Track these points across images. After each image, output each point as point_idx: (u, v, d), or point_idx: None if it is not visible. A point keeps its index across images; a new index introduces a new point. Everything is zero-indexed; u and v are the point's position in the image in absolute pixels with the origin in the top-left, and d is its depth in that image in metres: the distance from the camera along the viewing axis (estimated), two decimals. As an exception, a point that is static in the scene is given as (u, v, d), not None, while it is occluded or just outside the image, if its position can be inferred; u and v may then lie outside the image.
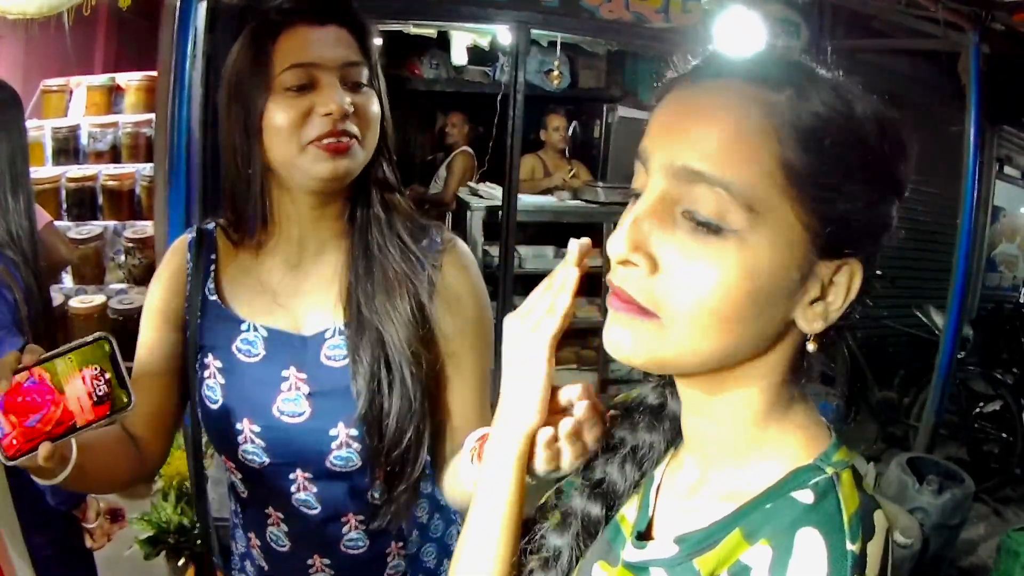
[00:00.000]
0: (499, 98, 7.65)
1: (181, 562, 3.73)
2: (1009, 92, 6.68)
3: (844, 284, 1.06)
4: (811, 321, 1.07)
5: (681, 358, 1.07)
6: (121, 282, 5.78)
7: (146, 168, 5.93)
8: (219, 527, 2.36)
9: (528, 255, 7.60)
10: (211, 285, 1.99)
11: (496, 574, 1.31)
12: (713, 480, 1.17)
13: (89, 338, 1.61)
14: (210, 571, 2.35)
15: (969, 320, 7.72)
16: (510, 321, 1.35)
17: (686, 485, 1.23)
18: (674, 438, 1.33)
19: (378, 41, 1.95)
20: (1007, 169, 10.03)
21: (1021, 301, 9.35)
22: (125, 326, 5.10)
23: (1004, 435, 7.17)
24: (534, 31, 7.07)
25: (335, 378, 1.89)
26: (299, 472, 1.94)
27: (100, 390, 1.61)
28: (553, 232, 7.88)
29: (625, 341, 1.08)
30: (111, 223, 5.96)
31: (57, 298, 5.22)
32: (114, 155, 6.18)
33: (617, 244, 1.05)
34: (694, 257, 1.01)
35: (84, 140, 6.21)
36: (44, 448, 1.56)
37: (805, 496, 1.04)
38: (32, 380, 1.56)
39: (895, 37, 7.08)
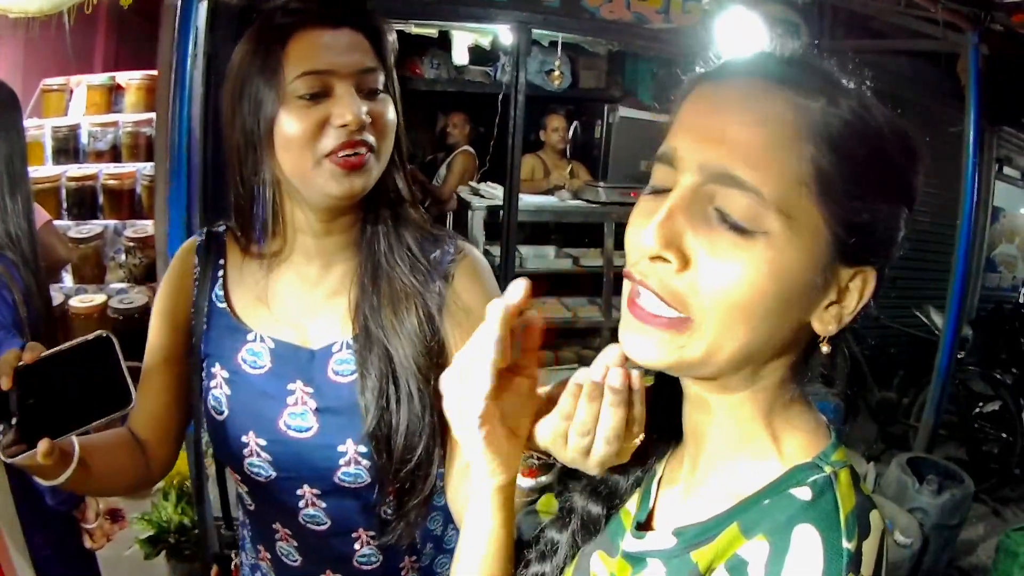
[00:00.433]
0: (500, 98, 7.64)
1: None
2: (1008, 93, 6.68)
3: (858, 290, 1.09)
4: (826, 324, 1.09)
5: (709, 358, 1.07)
6: (121, 281, 5.77)
7: (146, 167, 5.93)
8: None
9: (529, 255, 7.60)
10: (219, 292, 1.95)
11: None
12: (713, 476, 1.18)
13: (90, 336, 1.62)
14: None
15: (968, 320, 7.73)
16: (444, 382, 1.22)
17: (687, 480, 1.24)
18: (676, 434, 1.33)
19: (393, 40, 1.86)
20: (1006, 170, 10.03)
21: (1020, 301, 9.36)
22: (125, 326, 5.10)
23: (1003, 435, 7.18)
24: (535, 31, 7.06)
25: (343, 394, 1.84)
26: (307, 488, 1.89)
27: None
28: (554, 232, 7.88)
29: (649, 347, 1.08)
30: (111, 222, 5.96)
31: (57, 297, 5.22)
32: (114, 154, 6.18)
33: (648, 239, 1.04)
34: (726, 255, 1.02)
35: (84, 139, 6.21)
36: (43, 445, 1.56)
37: (803, 493, 1.05)
38: None
39: (894, 38, 7.07)
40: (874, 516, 1.05)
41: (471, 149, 8.73)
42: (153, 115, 5.74)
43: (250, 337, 1.90)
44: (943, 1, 5.54)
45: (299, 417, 1.85)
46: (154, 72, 5.52)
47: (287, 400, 1.86)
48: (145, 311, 5.19)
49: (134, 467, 1.93)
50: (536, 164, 8.41)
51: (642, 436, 1.20)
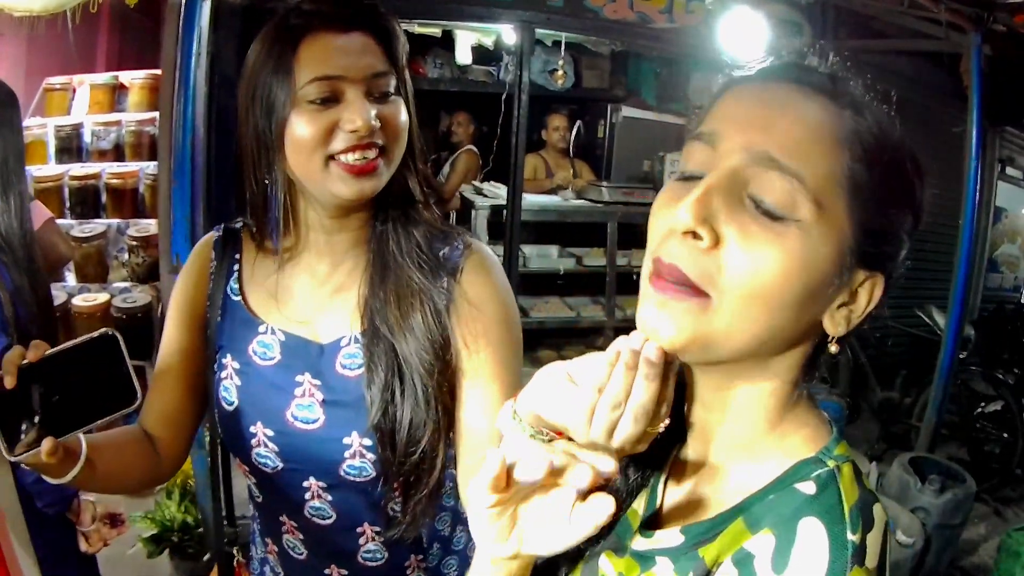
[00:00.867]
0: (503, 98, 7.64)
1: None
2: (1010, 93, 6.68)
3: (868, 293, 1.11)
4: (836, 324, 1.12)
5: (726, 339, 1.08)
6: (124, 281, 5.76)
7: (149, 166, 5.92)
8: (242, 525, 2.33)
9: (532, 254, 7.60)
10: (234, 285, 1.97)
11: None
12: (719, 474, 1.20)
13: (95, 334, 1.62)
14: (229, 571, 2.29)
15: (970, 320, 7.73)
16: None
17: (692, 478, 1.25)
18: (676, 438, 1.33)
19: (404, 42, 1.87)
20: (1009, 170, 10.04)
21: (1022, 302, 9.35)
22: (129, 325, 5.10)
23: (1005, 435, 7.17)
24: (538, 31, 7.07)
25: (349, 387, 1.86)
26: (313, 480, 1.90)
27: None
28: (557, 231, 7.88)
29: (668, 323, 1.07)
30: (114, 221, 5.95)
31: (60, 297, 5.22)
32: (117, 153, 6.17)
33: (684, 215, 1.04)
34: (757, 239, 1.04)
35: (87, 138, 6.20)
36: (47, 443, 1.57)
37: (807, 487, 1.07)
38: None
39: (897, 38, 7.07)
40: (877, 509, 1.06)
41: (474, 148, 8.73)
42: (156, 114, 5.73)
43: (262, 329, 1.92)
44: (945, 1, 5.54)
45: (306, 409, 1.87)
46: (157, 71, 5.53)
47: (295, 392, 1.88)
48: (148, 310, 5.20)
49: (143, 464, 1.94)
50: (538, 164, 8.42)
51: (667, 422, 1.16)
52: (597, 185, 7.85)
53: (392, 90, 1.80)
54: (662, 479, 1.32)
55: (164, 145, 4.42)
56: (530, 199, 7.34)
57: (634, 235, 7.53)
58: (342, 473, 1.87)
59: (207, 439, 2.10)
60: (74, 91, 6.51)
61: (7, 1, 4.04)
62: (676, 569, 1.15)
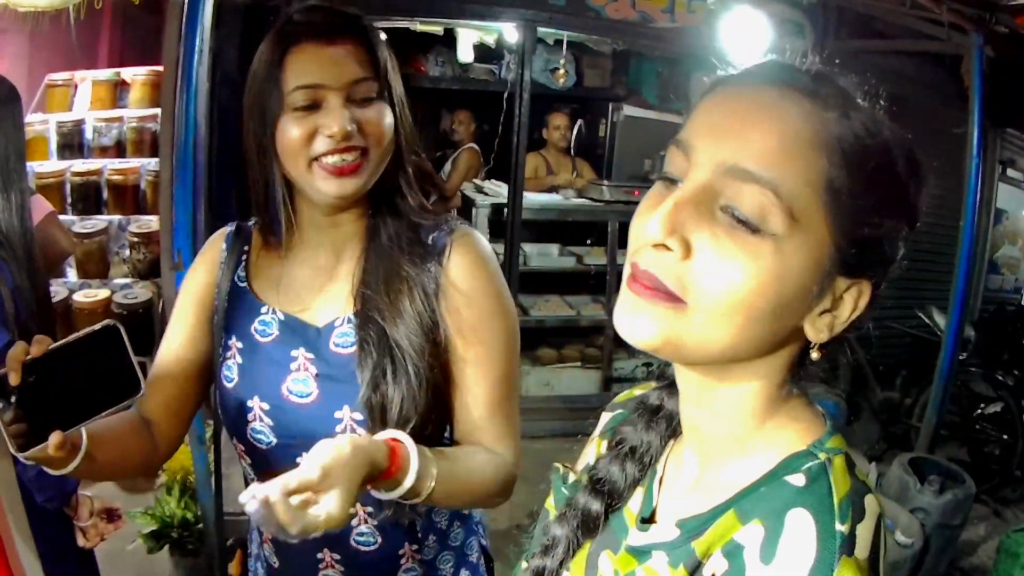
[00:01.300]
0: (505, 96, 7.65)
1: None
2: (1012, 95, 6.68)
3: (852, 301, 1.10)
4: (818, 331, 1.11)
5: (698, 345, 1.08)
6: (125, 277, 5.76)
7: (151, 163, 5.92)
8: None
9: (533, 253, 7.62)
10: (241, 274, 2.08)
11: None
12: (712, 470, 1.20)
13: (96, 326, 1.63)
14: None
15: (971, 322, 7.73)
16: None
17: (687, 475, 1.26)
18: (671, 435, 1.36)
19: (384, 52, 1.97)
20: (1010, 172, 10.05)
21: (1022, 303, 9.35)
22: (130, 321, 5.10)
23: (1005, 437, 7.17)
24: (540, 29, 7.10)
25: (342, 363, 1.94)
26: (304, 455, 1.81)
27: None
28: (558, 230, 7.89)
29: (643, 323, 1.08)
30: (116, 218, 5.95)
31: (61, 293, 5.23)
32: (119, 150, 6.17)
33: (653, 227, 1.05)
34: (729, 250, 1.03)
35: (89, 134, 6.20)
36: (55, 437, 1.57)
37: (797, 480, 1.07)
38: None
39: (899, 39, 7.08)
40: (869, 500, 1.06)
41: (476, 147, 8.74)
42: (158, 111, 5.73)
43: (263, 311, 2.02)
44: (947, 2, 5.54)
45: (301, 383, 1.95)
46: (159, 68, 5.53)
47: (291, 366, 1.96)
48: (149, 307, 5.20)
49: (141, 450, 1.96)
50: (539, 162, 8.43)
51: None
52: (598, 184, 7.86)
53: (374, 95, 1.90)
54: (657, 479, 1.33)
55: (166, 142, 4.42)
56: (531, 198, 7.36)
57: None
58: None
59: (208, 435, 2.11)
60: (76, 87, 6.51)
61: (11, -3, 4.04)
62: (670, 562, 1.15)
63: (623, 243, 7.59)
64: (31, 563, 2.25)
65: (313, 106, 1.84)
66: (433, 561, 2.14)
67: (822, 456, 1.09)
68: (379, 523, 2.01)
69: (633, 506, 1.34)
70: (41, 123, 6.11)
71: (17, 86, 2.78)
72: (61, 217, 4.93)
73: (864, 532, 1.02)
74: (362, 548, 2.03)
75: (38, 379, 1.58)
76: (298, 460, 1.69)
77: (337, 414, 1.92)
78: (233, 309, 2.05)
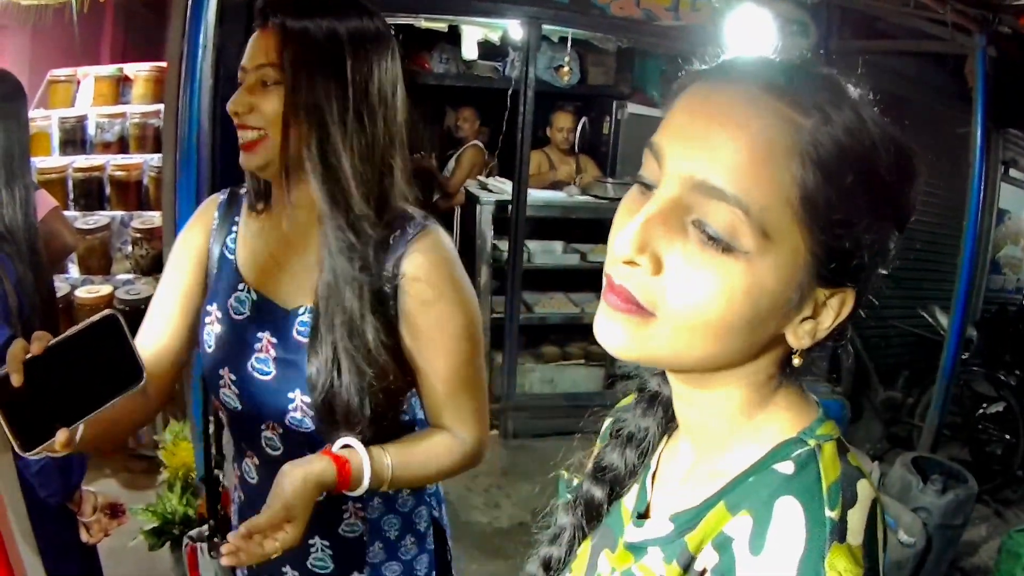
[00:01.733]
0: (509, 93, 7.65)
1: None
2: (1015, 95, 6.66)
3: (835, 308, 1.08)
4: (800, 338, 1.09)
5: (672, 356, 1.08)
6: (128, 273, 5.78)
7: (154, 159, 5.94)
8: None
9: (537, 250, 7.61)
10: (230, 244, 2.20)
11: None
12: (704, 462, 1.20)
13: (96, 317, 1.62)
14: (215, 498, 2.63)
15: (973, 321, 7.72)
16: None
17: (682, 468, 1.26)
18: (668, 424, 1.36)
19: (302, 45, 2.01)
20: (1012, 172, 10.03)
21: (1025, 303, 9.35)
22: (132, 316, 5.09)
23: (1007, 437, 7.17)
24: (545, 27, 7.08)
25: (299, 351, 2.05)
26: (267, 420, 2.12)
27: None
28: (562, 227, 7.88)
29: (618, 335, 1.08)
30: (118, 214, 5.97)
31: (63, 288, 5.23)
32: (121, 146, 6.19)
33: (623, 244, 1.04)
34: (699, 267, 1.01)
35: (91, 130, 6.23)
36: (61, 435, 1.58)
37: (786, 467, 1.06)
38: None
39: (902, 39, 7.07)
40: (862, 485, 1.05)
41: (480, 144, 8.74)
42: (161, 107, 5.75)
43: (241, 287, 2.15)
44: (951, 3, 5.54)
45: (263, 362, 2.09)
46: (162, 63, 5.55)
47: (256, 347, 2.11)
48: (151, 302, 5.21)
49: (134, 409, 2.04)
50: (542, 160, 8.42)
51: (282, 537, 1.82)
52: (602, 181, 7.86)
53: (271, 81, 1.98)
54: (650, 474, 1.33)
55: (169, 138, 4.41)
56: (535, 195, 7.34)
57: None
58: (287, 422, 2.07)
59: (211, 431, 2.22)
60: (78, 83, 6.53)
61: (15, -9, 4.05)
62: (664, 558, 1.15)
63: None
64: (31, 560, 2.25)
65: (241, 85, 2.00)
66: (378, 522, 2.25)
67: (812, 443, 1.08)
68: None
69: (628, 502, 1.34)
70: (43, 119, 6.14)
71: (19, 82, 2.77)
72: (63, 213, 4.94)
73: (856, 518, 1.01)
74: None
75: (40, 376, 1.57)
76: (261, 427, 2.13)
77: (290, 395, 2.05)
78: (219, 279, 2.18)
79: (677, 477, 1.26)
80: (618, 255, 1.05)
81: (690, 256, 1.01)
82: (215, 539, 2.60)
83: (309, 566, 2.24)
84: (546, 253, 7.70)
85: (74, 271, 5.85)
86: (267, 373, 2.09)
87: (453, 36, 8.97)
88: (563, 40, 8.07)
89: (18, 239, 2.61)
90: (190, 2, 4.08)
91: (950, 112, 7.04)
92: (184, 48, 4.15)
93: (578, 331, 7.87)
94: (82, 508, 2.73)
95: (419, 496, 2.32)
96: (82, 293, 5.50)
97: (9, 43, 7.05)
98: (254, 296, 2.13)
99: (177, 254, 2.24)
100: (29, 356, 1.57)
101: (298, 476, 1.83)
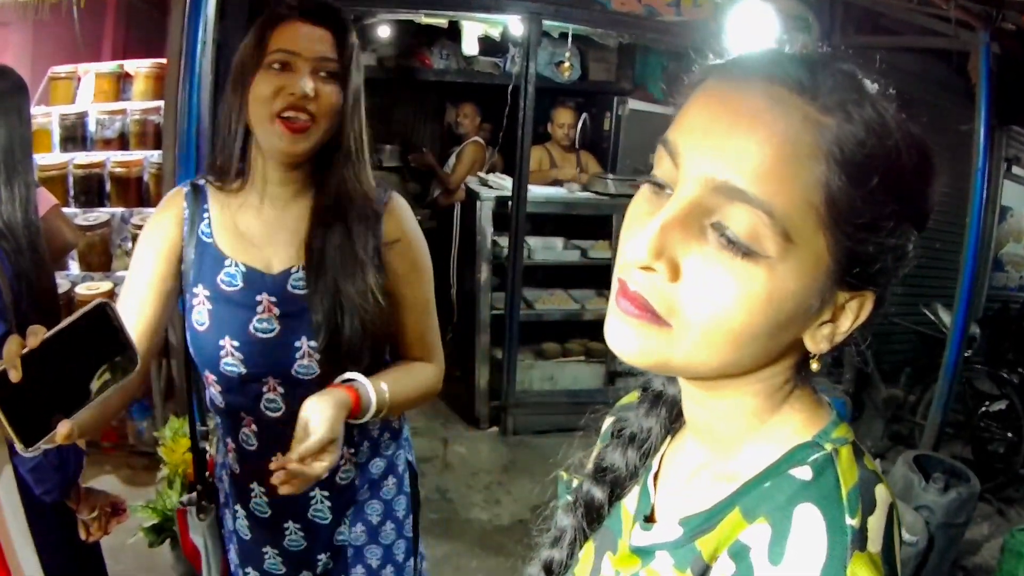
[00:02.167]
0: (510, 89, 7.63)
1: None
2: (1019, 92, 6.64)
3: (854, 311, 1.06)
4: (818, 342, 1.07)
5: (688, 365, 1.05)
6: (128, 269, 5.77)
7: (154, 155, 5.95)
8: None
9: (538, 246, 7.60)
10: (205, 229, 2.37)
11: None
12: (715, 463, 1.18)
13: (87, 307, 1.62)
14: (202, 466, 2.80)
15: (976, 319, 7.70)
16: None
17: (688, 469, 1.24)
18: (671, 424, 1.35)
19: (352, 46, 2.31)
20: (1015, 169, 10.00)
21: (1028, 301, 9.33)
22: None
23: (1009, 435, 7.15)
24: (545, 22, 7.07)
25: (299, 302, 2.31)
26: (271, 379, 2.34)
27: None
28: (563, 224, 7.87)
29: (634, 342, 1.05)
30: (118, 210, 5.97)
31: (63, 285, 5.23)
32: (122, 142, 6.19)
33: (639, 249, 1.01)
34: (719, 273, 0.99)
35: (92, 127, 6.23)
36: (63, 427, 1.59)
37: (803, 473, 1.04)
38: None
39: (905, 35, 7.05)
40: (880, 490, 1.03)
41: (481, 140, 8.75)
42: (161, 103, 5.75)
43: (227, 263, 2.34)
44: (955, -1, 5.53)
45: (265, 322, 2.31)
46: (162, 60, 5.54)
47: (256, 309, 2.31)
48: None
49: (119, 397, 2.16)
50: (543, 155, 8.42)
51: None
52: (603, 177, 7.83)
53: (332, 73, 2.25)
54: (651, 475, 1.31)
55: (169, 134, 4.42)
56: (535, 191, 7.34)
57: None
58: (294, 373, 2.32)
59: (211, 427, 2.29)
60: (79, 80, 6.54)
61: (14, -13, 4.04)
62: (675, 564, 1.13)
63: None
64: (28, 558, 2.25)
65: (285, 68, 2.19)
66: (366, 465, 2.55)
67: (828, 447, 1.07)
68: None
69: (629, 504, 1.33)
70: (44, 116, 6.15)
71: (19, 79, 2.77)
72: (63, 210, 4.93)
73: (875, 524, 1.00)
74: None
75: (37, 370, 1.56)
76: (263, 389, 2.35)
77: (296, 344, 2.31)
78: (200, 262, 2.34)
79: (683, 478, 1.24)
80: (634, 260, 1.03)
81: (709, 261, 0.99)
82: (203, 503, 2.71)
83: (310, 517, 2.50)
84: (546, 249, 7.69)
85: (75, 267, 5.86)
86: (271, 330, 2.30)
87: (453, 32, 8.98)
88: (564, 36, 8.04)
89: (17, 236, 2.60)
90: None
91: (953, 109, 7.02)
92: (184, 44, 4.14)
93: (578, 328, 7.87)
94: (81, 506, 2.72)
95: (397, 440, 2.64)
96: (82, 289, 5.50)
97: (10, 40, 7.05)
98: (243, 268, 2.33)
99: (147, 242, 2.39)
100: (26, 351, 1.56)
101: (328, 403, 2.08)
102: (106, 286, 5.56)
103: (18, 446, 1.57)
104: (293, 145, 2.22)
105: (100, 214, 5.90)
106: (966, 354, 6.45)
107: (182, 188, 2.45)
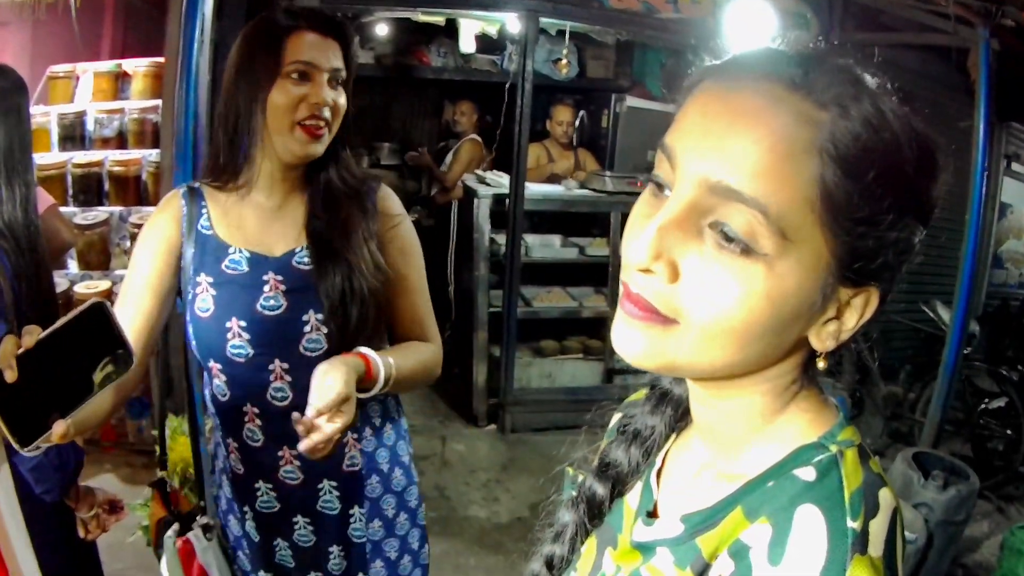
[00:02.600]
0: (507, 87, 7.63)
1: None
2: (1018, 88, 6.65)
3: (860, 307, 1.05)
4: (824, 340, 1.07)
5: (693, 365, 1.05)
6: (126, 268, 5.77)
7: (152, 154, 5.96)
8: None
9: (535, 244, 7.61)
10: (204, 223, 2.45)
11: None
12: (719, 461, 1.18)
13: (83, 306, 1.63)
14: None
15: (975, 316, 7.71)
16: None
17: (692, 467, 1.24)
18: (676, 423, 1.34)
19: (354, 53, 2.48)
20: (1015, 166, 10.01)
21: (1027, 298, 9.34)
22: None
23: (1009, 432, 7.16)
24: (543, 20, 7.07)
25: (305, 277, 2.40)
26: (277, 362, 2.39)
27: None
28: (560, 221, 7.87)
29: (638, 343, 1.05)
30: (117, 209, 5.99)
31: (62, 284, 5.23)
32: (120, 141, 6.21)
33: (639, 253, 1.01)
34: (718, 273, 0.99)
35: (90, 126, 6.24)
36: (59, 427, 1.60)
37: (807, 473, 1.04)
38: None
39: (905, 32, 7.04)
40: (884, 494, 1.03)
41: (478, 138, 8.75)
42: (159, 102, 5.76)
43: (231, 251, 2.42)
44: (954, -5, 5.52)
45: (272, 299, 2.38)
46: (160, 59, 5.55)
47: (263, 288, 2.39)
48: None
49: (114, 395, 2.19)
50: (540, 152, 8.42)
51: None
52: (600, 175, 7.82)
53: (340, 81, 2.41)
54: (654, 471, 1.31)
55: (167, 133, 4.42)
56: (533, 188, 7.34)
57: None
58: (301, 350, 2.39)
59: (208, 428, 2.28)
60: (78, 79, 6.55)
61: (11, -14, 4.04)
62: (676, 561, 1.13)
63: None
64: (26, 557, 2.24)
65: (304, 78, 2.32)
66: (372, 455, 2.59)
67: (833, 448, 1.06)
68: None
69: (631, 500, 1.33)
70: (43, 115, 6.16)
71: (18, 78, 2.77)
72: (62, 209, 4.94)
73: (878, 528, 0.99)
74: None
75: (33, 369, 1.56)
76: (271, 368, 2.38)
77: (304, 317, 2.38)
78: (202, 253, 2.42)
79: (687, 476, 1.24)
80: (633, 263, 1.03)
81: (707, 261, 0.99)
82: (208, 523, 2.70)
83: (319, 509, 2.52)
84: (544, 247, 7.70)
85: (73, 267, 5.87)
86: (278, 307, 2.38)
87: (451, 30, 9.00)
88: (561, 33, 8.05)
89: (17, 235, 2.61)
90: (186, -1, 4.08)
91: (953, 106, 7.01)
92: (181, 43, 4.14)
93: (576, 325, 7.88)
94: (80, 505, 2.72)
95: (397, 430, 2.68)
96: (81, 288, 5.51)
97: (9, 40, 7.06)
98: (246, 254, 2.41)
99: (145, 242, 2.45)
100: (21, 351, 1.56)
101: (340, 365, 2.16)
102: (105, 285, 5.56)
103: (15, 445, 1.57)
104: (311, 149, 2.36)
105: (99, 213, 5.91)
106: (965, 351, 6.45)
107: (178, 190, 2.53)
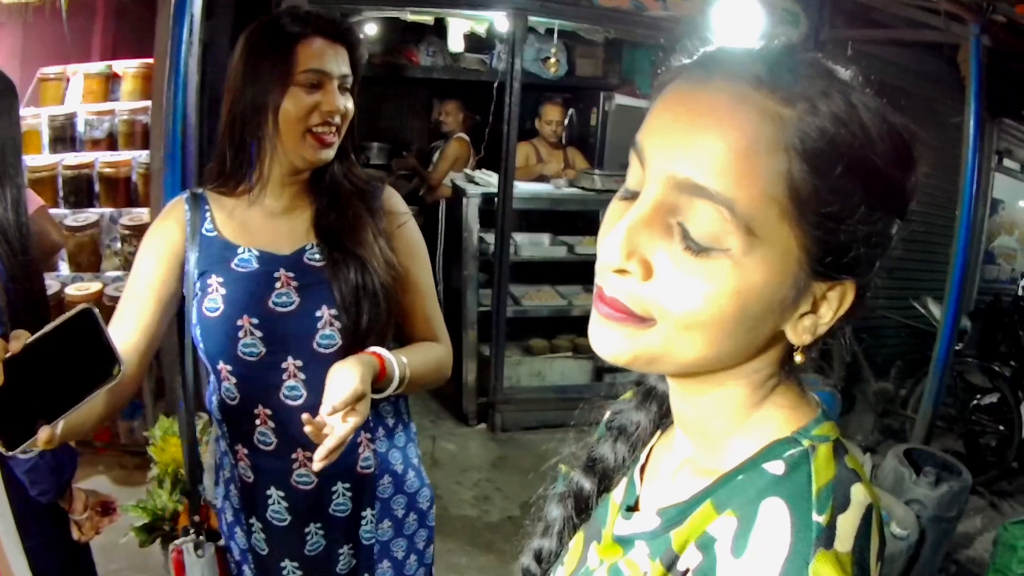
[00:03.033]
0: (496, 86, 7.63)
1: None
2: (1009, 84, 6.66)
3: (835, 301, 1.05)
4: (800, 334, 1.07)
5: (668, 360, 1.06)
6: (117, 269, 5.78)
7: (142, 155, 5.96)
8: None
9: (524, 242, 7.61)
10: (208, 227, 2.43)
11: None
12: (698, 457, 1.18)
13: (71, 312, 1.61)
14: (198, 506, 2.71)
15: (967, 312, 7.71)
16: None
17: (673, 463, 1.25)
18: (661, 419, 1.36)
19: (363, 54, 2.51)
20: (1006, 162, 10.02)
21: (1019, 294, 9.33)
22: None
23: (1001, 428, 7.18)
24: (531, 18, 7.07)
25: (317, 273, 2.39)
26: (290, 360, 2.37)
27: None
28: (549, 220, 7.87)
29: (612, 341, 1.07)
30: (107, 210, 5.98)
31: (53, 286, 5.22)
32: (111, 142, 6.21)
33: (611, 253, 1.02)
34: (687, 270, 0.99)
35: (81, 128, 6.24)
36: (43, 432, 1.58)
37: (776, 468, 1.05)
38: None
39: (896, 28, 7.05)
40: (856, 490, 1.02)
41: (465, 136, 8.75)
42: (149, 103, 5.76)
43: (240, 250, 2.40)
44: (944, -10, 5.53)
45: (284, 295, 2.36)
46: (150, 60, 5.53)
47: (275, 285, 2.37)
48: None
49: (108, 399, 2.11)
50: (529, 151, 8.40)
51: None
52: (589, 173, 7.82)
53: (348, 87, 2.41)
54: (638, 467, 1.32)
55: (157, 134, 4.42)
56: (522, 187, 7.34)
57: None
58: (315, 346, 2.37)
59: (199, 428, 2.26)
60: (68, 80, 6.55)
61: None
62: (650, 554, 1.14)
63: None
64: (17, 560, 2.24)
65: (315, 86, 2.31)
66: (385, 455, 2.57)
67: (806, 443, 1.06)
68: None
69: (617, 495, 1.34)
70: (33, 117, 6.16)
71: (10, 80, 2.76)
72: (53, 211, 4.94)
73: (846, 524, 0.99)
74: None
75: (20, 374, 1.56)
76: (284, 366, 2.36)
77: (317, 313, 2.36)
78: (207, 256, 2.39)
79: (668, 472, 1.25)
80: (606, 264, 1.04)
81: (676, 258, 1.00)
82: (200, 539, 2.64)
83: (331, 512, 2.49)
84: (533, 246, 7.70)
85: (64, 268, 5.86)
86: (290, 303, 2.36)
87: (439, 29, 9.03)
88: (550, 31, 8.06)
89: (9, 238, 2.60)
90: (176, -1, 4.08)
91: (944, 101, 7.03)
92: (171, 45, 4.15)
93: (566, 324, 7.87)
94: (73, 506, 2.72)
95: (407, 433, 2.67)
96: (72, 290, 5.50)
97: (1, 41, 7.04)
98: (256, 252, 2.40)
99: (148, 248, 2.43)
100: (8, 356, 1.55)
101: (354, 363, 2.16)
102: (96, 286, 5.55)
103: (0, 449, 1.56)
104: (322, 155, 2.37)
105: (89, 214, 5.90)
106: (957, 347, 6.47)
107: (181, 196, 2.52)
